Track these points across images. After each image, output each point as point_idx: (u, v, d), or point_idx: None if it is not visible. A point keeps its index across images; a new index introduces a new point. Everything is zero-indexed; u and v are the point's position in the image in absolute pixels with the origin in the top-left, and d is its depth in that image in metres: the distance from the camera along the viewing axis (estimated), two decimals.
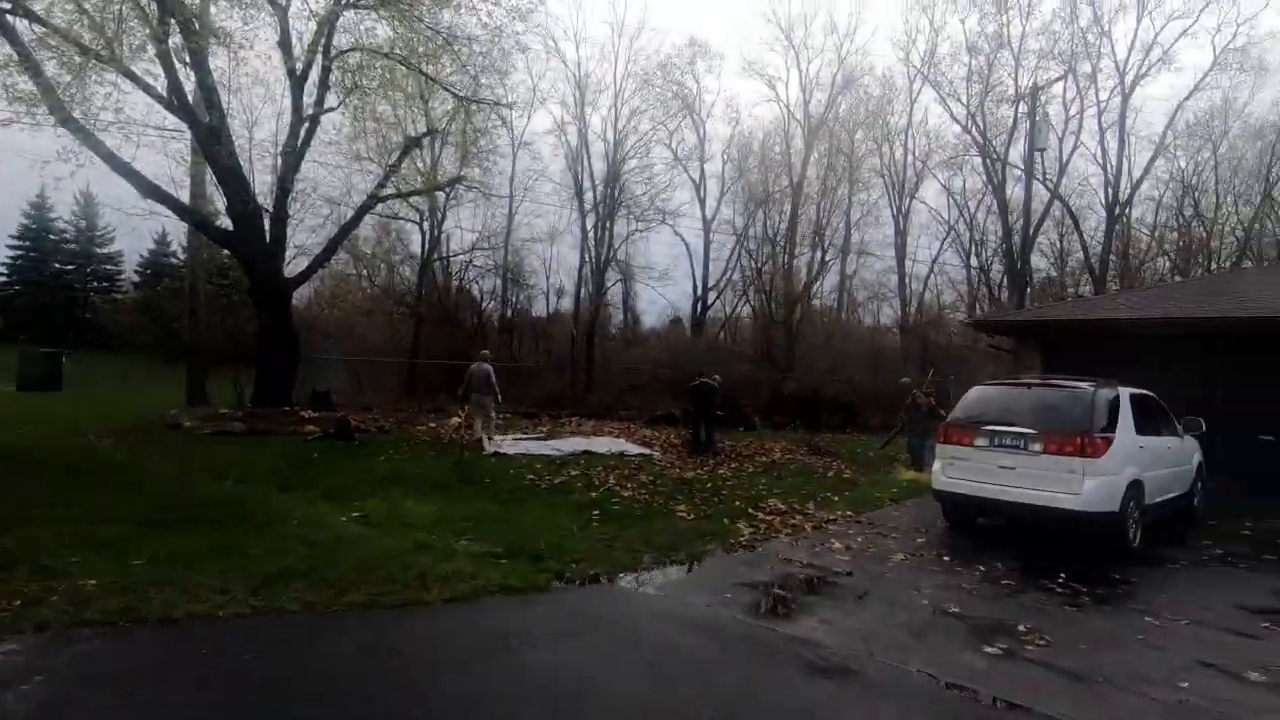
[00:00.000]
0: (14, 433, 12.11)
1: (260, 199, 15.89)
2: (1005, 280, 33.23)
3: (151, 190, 13.40)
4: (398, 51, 13.56)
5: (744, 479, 10.40)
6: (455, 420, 15.41)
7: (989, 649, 4.29)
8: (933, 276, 35.56)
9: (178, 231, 27.68)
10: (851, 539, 7.09)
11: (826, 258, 28.96)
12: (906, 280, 33.78)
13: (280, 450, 10.81)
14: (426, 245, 24.94)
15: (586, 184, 27.96)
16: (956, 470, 7.26)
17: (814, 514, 8.21)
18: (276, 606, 4.51)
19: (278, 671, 3.75)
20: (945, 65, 29.86)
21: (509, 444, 12.46)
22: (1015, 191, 32.26)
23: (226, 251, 17.79)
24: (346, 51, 14.12)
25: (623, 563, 5.94)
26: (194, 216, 15.28)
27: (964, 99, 31.71)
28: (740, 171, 31.56)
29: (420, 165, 18.38)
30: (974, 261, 35.20)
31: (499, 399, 12.66)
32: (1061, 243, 32.77)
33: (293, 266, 17.89)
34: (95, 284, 46.43)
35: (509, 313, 30.35)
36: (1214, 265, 29.08)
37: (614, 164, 27.45)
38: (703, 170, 31.44)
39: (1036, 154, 25.02)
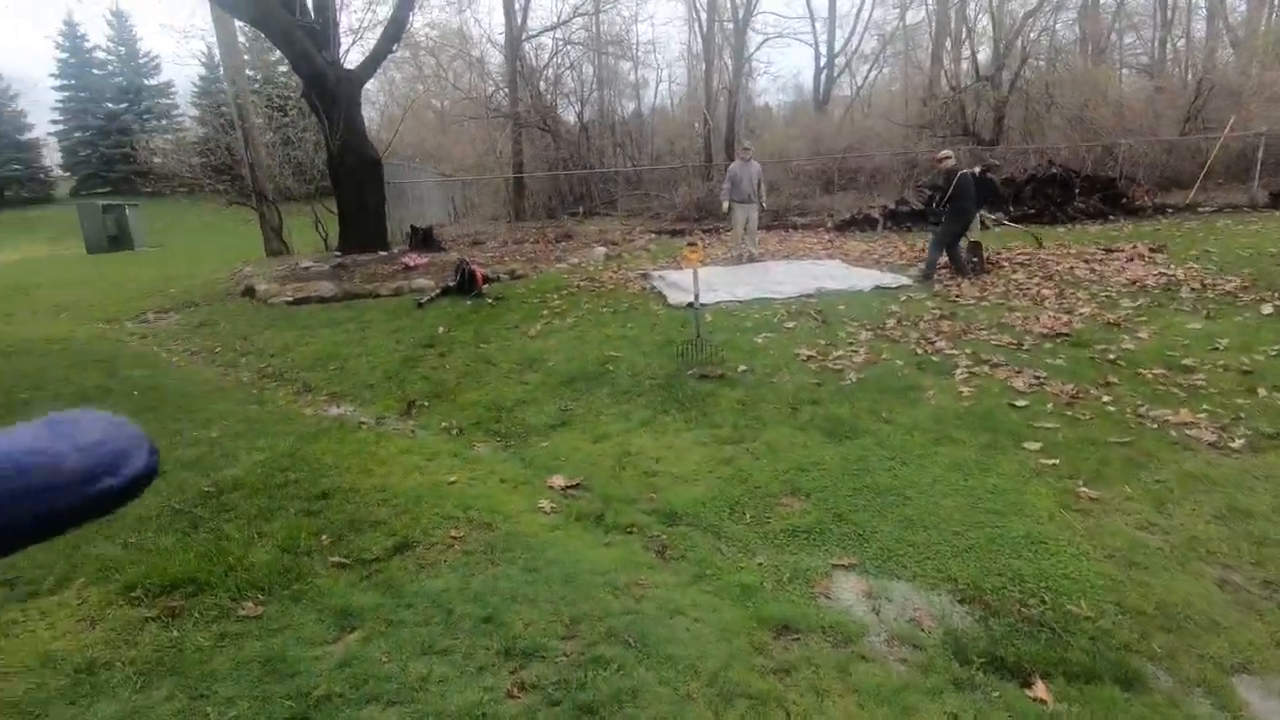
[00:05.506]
0: (41, 318, 9.23)
1: None
2: None
3: None
4: None
5: (1151, 322, 5.99)
6: (601, 250, 11.45)
7: None
8: None
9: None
10: None
11: None
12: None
13: (387, 328, 7.27)
14: (517, 21, 19.16)
15: None
16: None
17: None
18: None
19: None
20: None
21: (704, 285, 8.37)
22: None
23: (277, 57, 13.35)
24: None
25: None
26: None
27: None
28: None
29: None
30: None
31: (764, 206, 10.55)
32: None
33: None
34: (153, 121, 41.87)
35: (607, 107, 24.85)
36: None
37: None
38: None
39: None
